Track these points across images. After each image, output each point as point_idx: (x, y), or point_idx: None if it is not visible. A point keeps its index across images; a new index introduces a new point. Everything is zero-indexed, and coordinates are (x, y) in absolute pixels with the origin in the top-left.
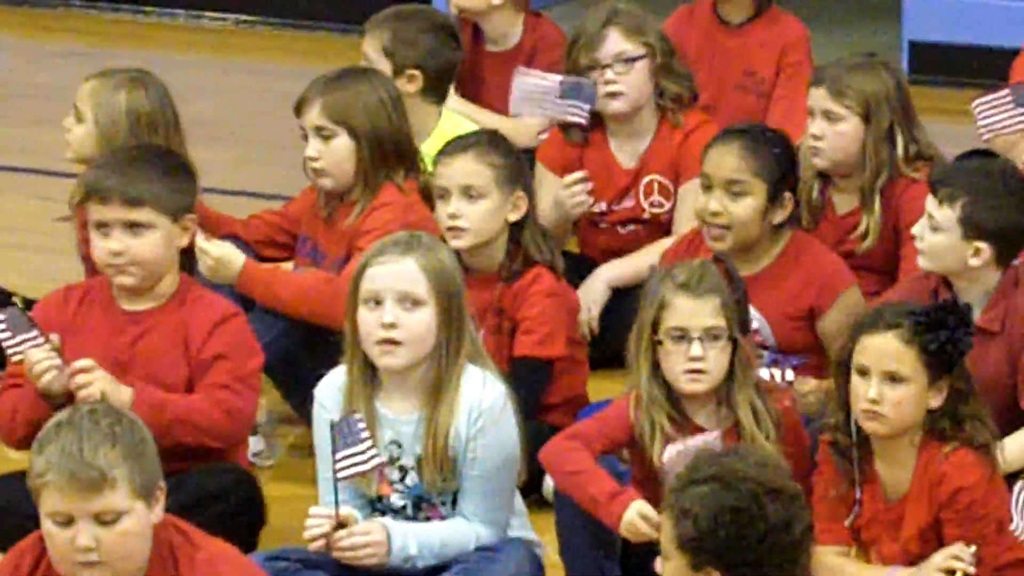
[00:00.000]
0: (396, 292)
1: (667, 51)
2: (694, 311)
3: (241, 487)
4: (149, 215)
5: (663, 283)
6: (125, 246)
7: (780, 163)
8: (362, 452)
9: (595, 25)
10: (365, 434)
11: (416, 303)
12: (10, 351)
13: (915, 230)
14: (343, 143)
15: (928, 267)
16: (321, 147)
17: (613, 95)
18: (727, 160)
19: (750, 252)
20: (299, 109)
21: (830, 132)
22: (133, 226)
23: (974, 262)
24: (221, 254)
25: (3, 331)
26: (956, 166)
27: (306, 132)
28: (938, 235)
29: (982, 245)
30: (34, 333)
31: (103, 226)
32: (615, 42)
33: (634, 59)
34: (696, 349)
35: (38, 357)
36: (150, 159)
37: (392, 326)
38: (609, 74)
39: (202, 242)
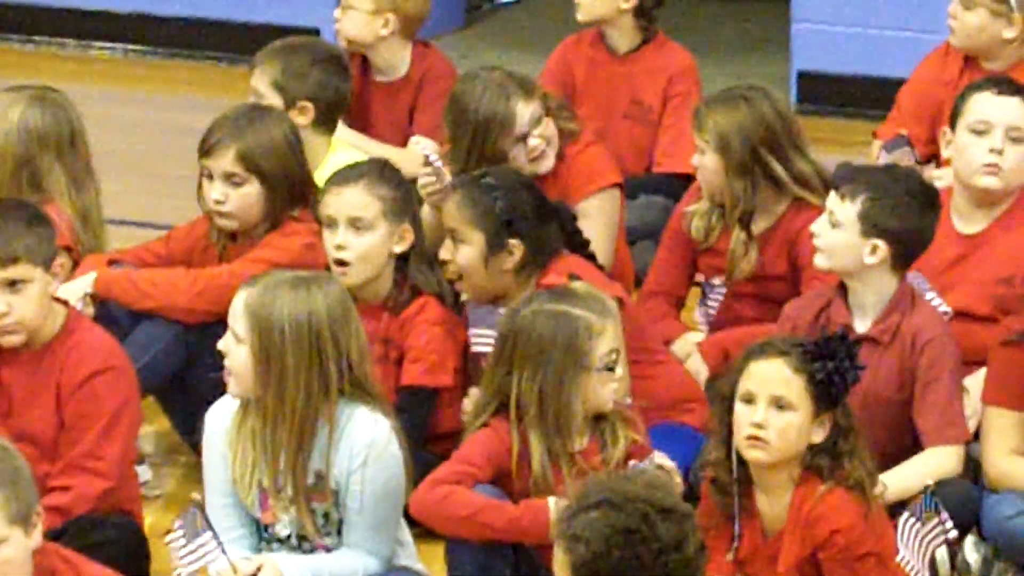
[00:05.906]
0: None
1: (547, 94)
2: None
3: (124, 538)
4: (25, 270)
5: None
6: (7, 305)
7: (500, 212)
8: (203, 545)
9: (500, 103)
10: (205, 530)
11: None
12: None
13: (814, 227)
14: (254, 189)
15: (824, 265)
16: (229, 192)
17: (542, 155)
18: (449, 209)
19: (503, 298)
20: (207, 152)
21: (698, 162)
22: (11, 284)
23: (870, 260)
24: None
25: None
26: (861, 166)
27: (211, 173)
28: (837, 231)
29: (879, 243)
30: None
31: None
32: (524, 109)
33: (543, 116)
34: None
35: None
36: (12, 213)
37: None
38: (532, 141)
39: None
